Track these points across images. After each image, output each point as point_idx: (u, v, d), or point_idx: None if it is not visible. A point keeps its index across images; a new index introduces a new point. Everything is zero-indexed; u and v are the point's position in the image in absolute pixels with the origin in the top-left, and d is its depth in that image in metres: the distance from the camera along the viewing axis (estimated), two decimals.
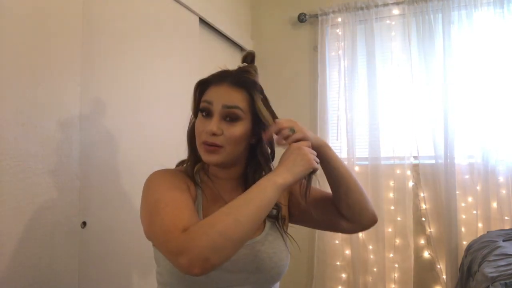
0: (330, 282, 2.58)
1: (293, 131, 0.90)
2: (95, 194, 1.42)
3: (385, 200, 2.50)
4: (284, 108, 2.83)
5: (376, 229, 2.48)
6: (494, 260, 1.63)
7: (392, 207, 2.51)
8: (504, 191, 2.28)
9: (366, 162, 2.57)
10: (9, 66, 1.13)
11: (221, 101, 0.91)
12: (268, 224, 0.97)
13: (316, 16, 2.74)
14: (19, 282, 1.14)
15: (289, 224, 1.06)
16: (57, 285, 1.26)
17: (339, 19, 2.67)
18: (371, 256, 2.52)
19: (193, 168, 0.98)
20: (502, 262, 1.59)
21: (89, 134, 1.41)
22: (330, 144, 2.63)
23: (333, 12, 2.67)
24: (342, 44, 2.65)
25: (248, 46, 2.83)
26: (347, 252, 2.58)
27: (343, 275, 2.58)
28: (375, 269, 2.49)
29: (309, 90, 2.79)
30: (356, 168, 2.59)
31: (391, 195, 2.52)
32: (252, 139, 0.96)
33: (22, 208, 1.15)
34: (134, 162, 1.60)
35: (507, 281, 1.43)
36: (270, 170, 0.96)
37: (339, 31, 2.68)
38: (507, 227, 2.20)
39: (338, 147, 2.68)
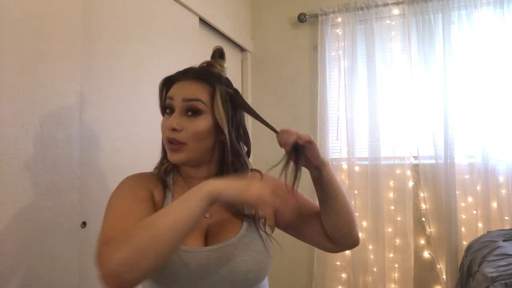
0: (330, 282, 2.58)
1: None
2: (95, 194, 1.42)
3: (385, 200, 2.50)
4: (284, 108, 2.87)
5: (376, 229, 2.48)
6: (494, 260, 1.64)
7: (392, 207, 2.50)
8: (504, 191, 2.28)
9: (366, 162, 2.57)
10: (9, 66, 1.13)
11: (181, 95, 0.89)
12: (245, 225, 0.91)
13: (316, 16, 2.74)
14: (19, 282, 1.14)
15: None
16: (57, 285, 1.26)
17: (339, 19, 2.67)
18: (371, 256, 2.52)
19: (160, 169, 0.95)
20: (502, 262, 1.59)
21: (89, 134, 1.41)
22: (330, 144, 2.68)
23: (333, 12, 2.67)
24: (342, 44, 2.65)
25: (248, 46, 2.83)
26: (347, 252, 2.58)
27: (343, 275, 2.58)
28: (375, 269, 2.49)
29: (309, 90, 2.79)
30: (356, 168, 2.59)
31: (391, 195, 2.52)
32: (220, 134, 0.90)
33: (22, 208, 1.15)
34: (134, 162, 1.60)
35: (507, 281, 1.43)
36: (244, 167, 0.93)
37: (339, 31, 2.68)
38: (507, 227, 2.20)
39: (338, 147, 2.68)
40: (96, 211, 1.43)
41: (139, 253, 0.66)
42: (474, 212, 2.34)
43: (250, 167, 0.98)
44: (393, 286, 2.48)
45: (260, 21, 2.97)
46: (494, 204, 2.29)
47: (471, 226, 2.34)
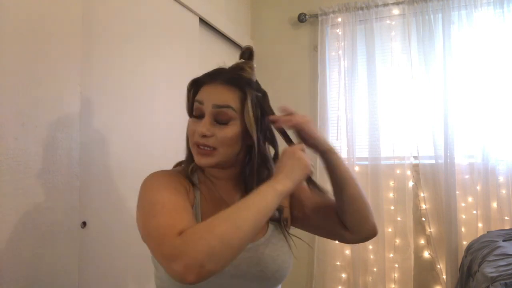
0: (330, 282, 2.58)
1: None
2: (95, 194, 1.43)
3: (385, 200, 2.50)
4: None
5: None
6: (494, 260, 1.64)
7: (392, 207, 2.50)
8: (504, 191, 2.28)
9: (366, 162, 2.57)
10: (9, 66, 1.13)
11: (211, 100, 0.87)
12: (271, 226, 0.95)
13: (316, 16, 2.74)
14: (19, 282, 1.14)
15: (291, 227, 1.04)
16: (57, 285, 1.26)
17: (339, 19, 2.67)
18: (371, 256, 2.52)
19: (187, 168, 0.94)
20: (502, 262, 1.59)
21: (89, 134, 1.41)
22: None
23: (333, 12, 2.67)
24: (342, 44, 2.65)
25: None
26: (347, 252, 2.58)
27: (343, 275, 2.58)
28: (375, 269, 2.49)
29: (309, 90, 2.79)
30: (356, 168, 2.59)
31: (391, 195, 2.52)
32: (248, 139, 0.90)
33: (22, 208, 1.16)
34: (134, 162, 1.60)
35: (507, 281, 1.43)
36: (269, 171, 0.93)
37: (339, 31, 2.68)
38: (507, 227, 2.20)
39: (338, 147, 2.67)
40: (96, 211, 1.43)
41: (224, 243, 0.68)
42: (474, 212, 2.34)
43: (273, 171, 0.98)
44: (393, 286, 2.48)
45: (260, 21, 2.97)
46: (494, 204, 2.29)
47: (471, 226, 2.34)
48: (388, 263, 2.48)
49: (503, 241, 1.85)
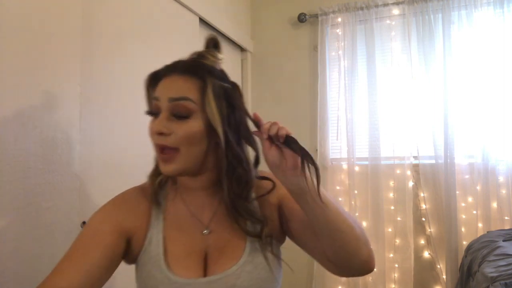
0: (330, 282, 2.57)
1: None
2: (95, 194, 1.42)
3: (385, 200, 2.50)
4: (284, 108, 2.86)
5: (376, 229, 2.48)
6: (494, 260, 1.63)
7: (392, 207, 2.50)
8: (504, 191, 2.28)
9: (366, 162, 2.57)
10: (9, 66, 1.13)
11: (167, 94, 0.77)
12: (248, 247, 0.80)
13: (316, 16, 2.74)
14: (19, 282, 1.14)
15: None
16: None
17: (339, 19, 2.67)
18: None
19: (153, 183, 0.84)
20: (502, 262, 1.59)
21: (89, 134, 1.41)
22: (330, 144, 2.68)
23: (333, 12, 2.67)
24: (342, 44, 2.65)
25: (248, 46, 2.83)
26: None
27: None
28: (375, 269, 2.48)
29: (309, 90, 2.79)
30: (356, 168, 2.59)
31: (391, 195, 2.52)
32: (216, 136, 0.77)
33: (22, 208, 1.15)
34: (134, 162, 1.60)
35: (507, 281, 1.43)
36: (248, 174, 0.80)
37: (339, 31, 2.68)
38: (507, 227, 2.20)
39: (338, 147, 2.68)
40: None
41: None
42: (474, 212, 2.34)
43: (257, 174, 0.84)
44: (393, 286, 2.48)
45: (260, 21, 2.97)
46: (494, 204, 2.29)
47: (471, 226, 2.34)
48: (388, 263, 2.48)
49: (503, 241, 1.85)
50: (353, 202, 2.56)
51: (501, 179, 2.30)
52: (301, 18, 2.78)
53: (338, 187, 2.65)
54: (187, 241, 0.82)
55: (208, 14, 2.25)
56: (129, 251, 0.83)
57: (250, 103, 2.85)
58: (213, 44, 0.86)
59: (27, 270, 1.17)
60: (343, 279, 2.58)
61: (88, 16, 1.42)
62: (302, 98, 2.81)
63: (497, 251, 1.71)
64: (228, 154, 0.78)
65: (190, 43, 2.09)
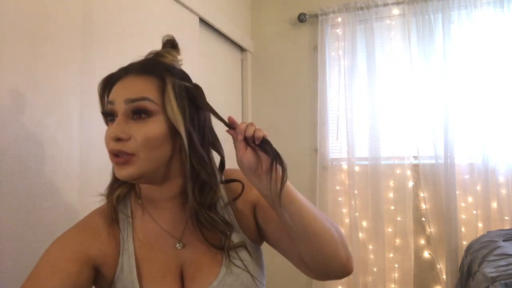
0: (330, 282, 2.57)
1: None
2: (95, 194, 1.42)
3: (385, 200, 2.50)
4: (284, 108, 2.87)
5: (376, 229, 2.48)
6: (494, 260, 1.63)
7: (392, 207, 2.50)
8: (504, 191, 2.28)
9: (366, 162, 2.56)
10: (9, 66, 1.13)
11: (123, 96, 0.70)
12: (225, 259, 0.75)
13: (316, 16, 2.74)
14: (19, 282, 1.14)
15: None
16: None
17: (339, 19, 2.67)
18: (371, 256, 2.52)
19: (110, 199, 0.78)
20: (502, 262, 1.59)
21: (89, 134, 1.41)
22: (330, 144, 2.68)
23: (333, 12, 2.67)
24: (342, 44, 2.65)
25: (248, 46, 2.83)
26: None
27: None
28: (375, 269, 2.48)
29: (309, 90, 2.79)
30: (356, 168, 2.59)
31: (391, 195, 2.52)
32: (180, 139, 0.72)
33: (22, 208, 1.15)
34: None
35: (507, 281, 1.43)
36: (212, 178, 0.74)
37: (339, 31, 2.68)
38: (507, 227, 2.20)
39: (338, 147, 2.68)
40: None
41: None
42: (474, 212, 2.33)
43: (221, 179, 0.80)
44: (393, 286, 2.48)
45: (260, 21, 2.97)
46: (494, 204, 2.29)
47: (471, 226, 2.34)
48: (388, 263, 2.48)
49: (503, 241, 1.85)
50: (353, 202, 2.55)
51: (501, 179, 2.29)
52: (301, 18, 2.78)
53: (338, 187, 2.65)
54: (161, 260, 0.76)
55: (208, 14, 2.25)
56: (101, 280, 0.76)
57: (250, 103, 2.85)
58: (171, 45, 0.81)
59: (27, 270, 1.17)
60: (343, 279, 2.57)
61: (88, 16, 1.42)
62: (302, 98, 2.81)
63: (497, 251, 1.71)
64: (192, 158, 0.72)
65: (190, 43, 2.09)
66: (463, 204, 2.39)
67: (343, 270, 0.74)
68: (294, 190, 0.71)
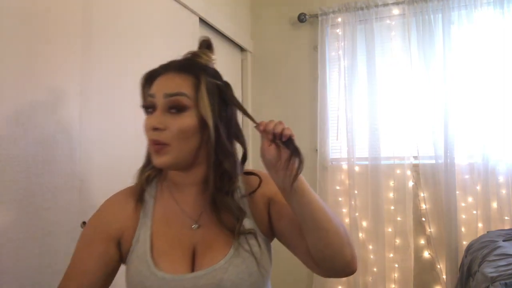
0: (330, 282, 2.58)
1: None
2: (95, 194, 1.42)
3: (385, 200, 2.50)
4: (284, 108, 2.87)
5: (376, 229, 2.48)
6: (494, 260, 1.63)
7: (392, 207, 2.50)
8: (504, 191, 2.28)
9: (366, 162, 2.57)
10: (9, 66, 1.13)
11: (162, 90, 0.80)
12: (235, 244, 0.81)
13: (316, 16, 2.74)
14: (19, 282, 1.14)
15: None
16: (57, 285, 1.26)
17: (339, 19, 2.67)
18: (371, 256, 2.52)
19: (141, 178, 0.87)
20: (502, 262, 1.59)
21: (89, 134, 1.41)
22: (330, 144, 2.68)
23: (333, 12, 2.67)
24: (342, 44, 2.65)
25: (248, 46, 2.83)
26: None
27: None
28: (375, 269, 2.48)
29: (309, 90, 2.79)
30: (356, 168, 2.59)
31: (391, 195, 2.52)
32: (207, 132, 0.80)
33: (22, 208, 1.15)
34: (135, 162, 1.60)
35: (507, 281, 1.43)
36: (233, 169, 0.82)
37: (339, 31, 2.68)
38: (507, 227, 2.20)
39: (338, 147, 2.68)
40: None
41: None
42: (474, 212, 2.34)
43: (242, 170, 0.88)
44: (393, 286, 2.48)
45: (260, 21, 2.97)
46: (494, 204, 2.29)
47: (471, 226, 2.34)
48: (388, 263, 2.48)
49: (503, 241, 1.84)
50: (353, 202, 2.55)
51: (501, 179, 2.29)
52: (301, 18, 2.78)
53: (338, 187, 2.65)
54: (175, 235, 0.83)
55: (208, 14, 2.25)
56: (122, 252, 0.86)
57: (250, 103, 2.85)
58: (206, 45, 0.89)
59: (27, 270, 1.17)
60: (343, 279, 2.57)
61: (88, 16, 1.42)
62: (302, 98, 2.81)
63: (497, 251, 1.71)
64: (217, 148, 0.81)
65: (190, 43, 2.08)
66: (463, 204, 2.39)
67: (347, 267, 0.78)
68: (307, 185, 0.77)
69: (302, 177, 0.76)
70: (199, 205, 0.86)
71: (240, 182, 0.88)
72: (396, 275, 2.48)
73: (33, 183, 1.19)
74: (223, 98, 0.83)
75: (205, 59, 0.85)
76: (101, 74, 1.48)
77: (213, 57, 0.87)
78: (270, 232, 0.88)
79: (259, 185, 0.86)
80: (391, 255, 2.49)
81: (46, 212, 1.23)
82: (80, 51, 1.38)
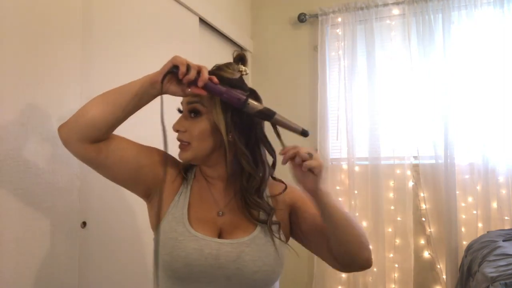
0: (330, 282, 2.57)
1: (310, 155, 0.83)
2: (95, 194, 1.42)
3: (385, 200, 2.50)
4: (284, 108, 2.84)
5: (376, 229, 2.48)
6: (494, 260, 1.63)
7: (392, 207, 2.50)
8: (504, 191, 2.28)
9: (366, 162, 2.57)
10: (9, 66, 1.13)
11: (187, 98, 0.95)
12: (258, 228, 0.94)
13: (316, 16, 2.74)
14: (19, 282, 1.14)
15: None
16: (57, 285, 1.26)
17: (339, 19, 2.67)
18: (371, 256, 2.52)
19: (184, 163, 1.01)
20: (502, 262, 1.59)
21: None
22: (330, 144, 2.68)
23: (333, 12, 2.67)
24: (342, 44, 2.65)
25: (248, 46, 2.83)
26: None
27: (343, 275, 2.58)
28: (375, 269, 2.48)
29: (309, 90, 2.79)
30: (356, 168, 2.59)
31: (391, 195, 2.52)
32: (227, 136, 0.93)
33: (22, 208, 1.16)
34: None
35: (507, 281, 1.43)
36: (255, 172, 0.94)
37: (339, 31, 2.68)
38: (507, 227, 2.20)
39: (338, 147, 2.68)
40: (96, 211, 1.43)
41: (78, 115, 0.94)
42: (474, 212, 2.33)
43: (270, 173, 0.99)
44: (393, 286, 2.48)
45: (260, 21, 2.97)
46: (494, 204, 2.29)
47: (471, 226, 2.34)
48: (388, 263, 2.48)
49: (503, 241, 1.85)
50: (353, 202, 2.56)
51: (501, 179, 2.29)
52: (301, 18, 2.78)
53: (338, 187, 2.65)
54: (206, 212, 0.96)
55: (208, 14, 2.25)
56: (156, 203, 0.96)
57: None
58: (239, 59, 1.03)
59: (27, 270, 1.17)
60: (343, 279, 2.58)
61: (88, 16, 1.42)
62: (302, 98, 2.81)
63: (497, 251, 1.71)
64: (237, 153, 0.94)
65: (190, 43, 2.09)
66: (463, 204, 2.39)
67: (365, 264, 0.95)
68: (331, 194, 0.90)
69: (329, 188, 0.90)
70: (226, 195, 0.99)
71: (266, 186, 1.00)
72: (396, 275, 2.48)
73: (33, 183, 1.19)
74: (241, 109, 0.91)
75: (229, 72, 0.96)
76: (101, 74, 1.48)
77: (243, 68, 1.00)
78: (288, 234, 1.01)
79: (284, 189, 0.98)
80: (391, 255, 2.49)
81: (46, 212, 1.23)
82: (80, 51, 1.38)
